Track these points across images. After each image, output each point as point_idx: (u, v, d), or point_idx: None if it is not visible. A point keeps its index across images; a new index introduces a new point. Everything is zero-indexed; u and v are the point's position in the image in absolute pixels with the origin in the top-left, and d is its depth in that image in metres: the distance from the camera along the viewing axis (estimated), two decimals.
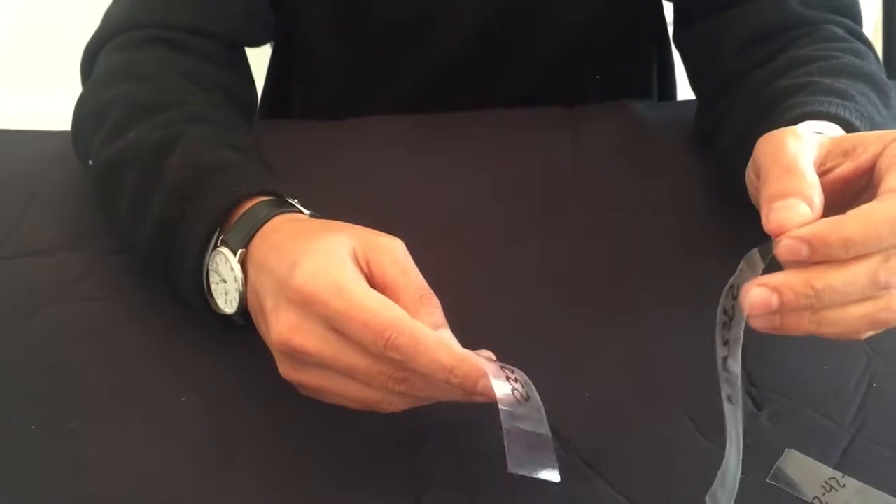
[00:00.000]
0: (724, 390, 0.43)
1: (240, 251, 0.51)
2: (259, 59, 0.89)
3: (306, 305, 0.43)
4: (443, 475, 0.49)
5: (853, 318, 0.41)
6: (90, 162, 0.64)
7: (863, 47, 0.67)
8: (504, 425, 0.41)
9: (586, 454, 0.50)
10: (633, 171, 0.73)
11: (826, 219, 0.41)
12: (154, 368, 0.56)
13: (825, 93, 0.58)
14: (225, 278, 0.52)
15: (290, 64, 0.94)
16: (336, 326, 0.43)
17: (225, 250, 0.52)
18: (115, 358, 0.57)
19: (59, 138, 0.71)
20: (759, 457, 0.49)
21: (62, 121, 0.71)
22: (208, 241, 0.53)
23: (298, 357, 0.45)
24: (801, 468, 0.48)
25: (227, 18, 0.74)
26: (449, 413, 0.49)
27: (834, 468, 0.48)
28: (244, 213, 0.53)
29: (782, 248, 0.41)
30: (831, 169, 0.47)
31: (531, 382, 0.44)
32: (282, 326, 0.44)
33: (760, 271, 0.42)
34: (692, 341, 0.57)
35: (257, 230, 0.51)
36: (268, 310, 0.46)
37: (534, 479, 0.42)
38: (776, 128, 0.53)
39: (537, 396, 0.43)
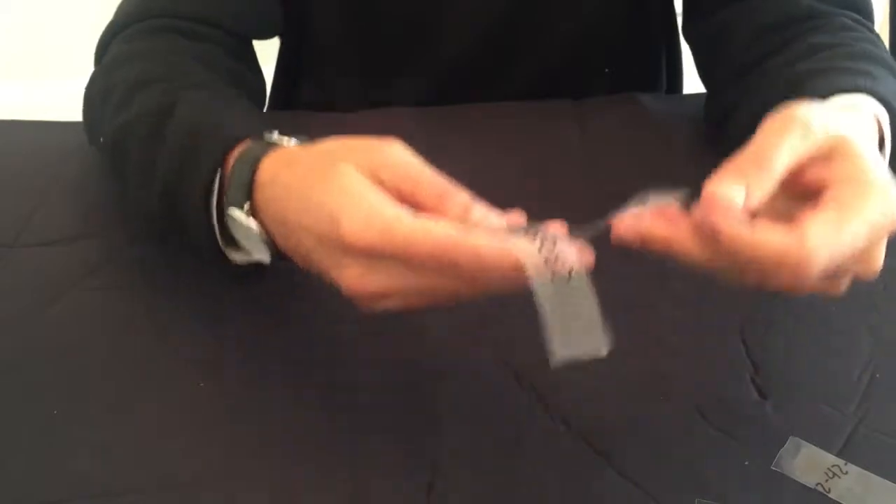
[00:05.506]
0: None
1: (245, 204, 0.52)
2: (268, 52, 0.90)
3: (364, 254, 0.44)
4: (456, 455, 0.50)
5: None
6: (101, 140, 0.65)
7: (875, 37, 0.68)
8: (546, 314, 0.42)
9: (594, 440, 0.51)
10: (641, 163, 0.74)
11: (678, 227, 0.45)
12: (172, 355, 0.57)
13: (850, 73, 0.59)
14: (246, 234, 0.53)
15: (298, 59, 0.95)
16: (400, 260, 0.44)
17: (234, 211, 0.52)
18: (133, 345, 0.58)
19: (76, 128, 0.72)
20: (763, 444, 0.50)
21: (78, 111, 0.72)
22: (210, 187, 0.54)
23: (373, 297, 0.46)
24: (804, 456, 0.49)
25: (236, 10, 0.75)
26: (462, 389, 0.50)
27: (837, 456, 0.49)
28: (239, 156, 0.53)
29: (621, 228, 0.47)
30: (808, 166, 0.46)
31: (574, 252, 0.44)
32: (348, 280, 0.46)
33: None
34: (699, 331, 0.58)
35: (254, 181, 0.52)
36: (325, 267, 0.47)
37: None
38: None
39: (583, 273, 0.44)
